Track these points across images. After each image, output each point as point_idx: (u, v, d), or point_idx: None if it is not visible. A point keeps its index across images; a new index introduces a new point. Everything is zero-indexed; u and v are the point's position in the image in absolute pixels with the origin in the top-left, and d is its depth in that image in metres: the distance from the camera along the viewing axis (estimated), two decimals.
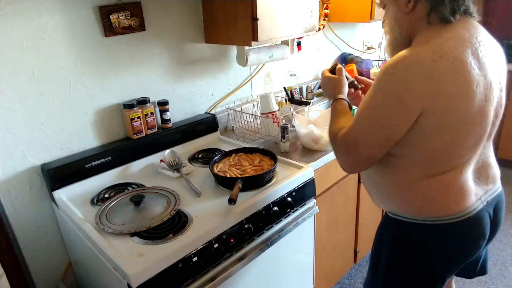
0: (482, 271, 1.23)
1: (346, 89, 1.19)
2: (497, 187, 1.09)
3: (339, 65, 1.23)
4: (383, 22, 1.09)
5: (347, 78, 1.22)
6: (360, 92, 1.28)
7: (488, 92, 0.92)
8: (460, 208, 0.99)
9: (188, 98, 1.77)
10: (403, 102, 0.88)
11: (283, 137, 1.63)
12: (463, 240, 1.03)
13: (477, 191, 1.03)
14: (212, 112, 1.89)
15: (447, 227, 1.00)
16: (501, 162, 1.13)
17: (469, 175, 1.01)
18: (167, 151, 1.55)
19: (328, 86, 1.21)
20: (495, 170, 1.10)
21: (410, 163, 0.99)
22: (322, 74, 1.24)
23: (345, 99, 1.15)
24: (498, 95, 0.97)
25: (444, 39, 0.90)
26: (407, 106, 0.88)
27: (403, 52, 0.90)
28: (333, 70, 1.23)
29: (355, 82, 1.27)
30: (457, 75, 0.87)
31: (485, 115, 0.94)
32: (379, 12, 2.11)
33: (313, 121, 1.81)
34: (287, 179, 1.39)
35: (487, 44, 0.94)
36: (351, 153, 0.99)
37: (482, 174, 1.05)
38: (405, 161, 0.99)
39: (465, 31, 0.92)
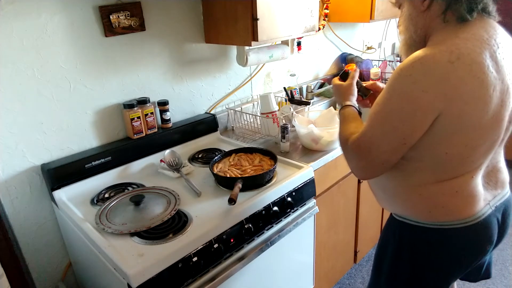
0: (487, 275, 1.22)
1: (354, 95, 1.17)
2: (506, 191, 1.07)
3: (354, 68, 1.20)
4: (398, 22, 1.07)
5: (357, 84, 1.21)
6: (368, 101, 1.25)
7: (504, 97, 0.89)
8: (469, 213, 0.98)
9: (188, 98, 1.77)
10: (419, 105, 0.85)
11: (283, 137, 1.63)
12: (470, 245, 1.01)
13: (486, 196, 1.01)
14: (212, 112, 1.89)
15: (455, 232, 0.99)
16: (508, 163, 1.11)
17: (479, 180, 0.99)
18: (167, 151, 1.55)
19: (336, 93, 1.19)
20: (505, 174, 1.07)
21: (421, 167, 0.96)
22: (332, 82, 1.23)
23: (353, 105, 1.13)
24: None
25: (461, 39, 0.86)
26: (423, 109, 0.85)
27: (418, 53, 0.86)
28: (342, 75, 1.22)
29: (364, 86, 1.24)
30: (474, 78, 0.83)
31: (500, 121, 0.91)
32: (379, 12, 2.11)
33: (313, 121, 1.80)
34: (287, 179, 1.39)
35: (506, 47, 0.90)
36: (364, 158, 0.96)
37: (491, 179, 1.03)
38: (416, 165, 0.97)
39: (483, 32, 0.88)
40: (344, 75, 1.23)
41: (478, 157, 0.94)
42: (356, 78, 1.20)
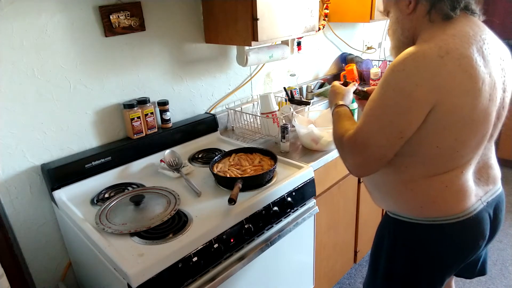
0: (482, 272, 1.23)
1: (349, 97, 1.20)
2: (497, 187, 1.09)
3: (353, 83, 1.26)
4: (387, 28, 1.10)
5: (356, 89, 1.26)
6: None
7: (492, 92, 0.92)
8: (460, 208, 0.99)
9: (188, 98, 1.77)
10: (414, 98, 0.87)
11: (283, 137, 1.63)
12: (463, 241, 1.03)
13: (477, 191, 1.03)
14: (212, 112, 1.89)
15: (447, 227, 1.00)
16: (501, 161, 1.12)
17: (469, 176, 1.01)
18: (167, 151, 1.55)
19: (333, 93, 1.22)
20: (496, 171, 1.09)
21: (413, 161, 0.98)
22: (333, 83, 1.27)
23: (346, 106, 1.15)
24: (501, 95, 0.96)
25: (448, 35, 0.90)
26: (418, 102, 0.87)
27: (409, 49, 0.89)
28: (344, 83, 1.26)
29: (363, 90, 1.29)
30: (463, 72, 0.86)
31: (488, 115, 0.93)
32: (379, 12, 2.11)
33: (313, 121, 1.81)
34: (287, 179, 1.39)
35: (491, 43, 0.94)
36: (360, 154, 0.97)
37: (482, 175, 1.05)
38: (408, 160, 0.98)
39: (468, 29, 0.92)
40: (345, 83, 1.27)
41: (468, 152, 0.96)
42: (355, 88, 1.25)
